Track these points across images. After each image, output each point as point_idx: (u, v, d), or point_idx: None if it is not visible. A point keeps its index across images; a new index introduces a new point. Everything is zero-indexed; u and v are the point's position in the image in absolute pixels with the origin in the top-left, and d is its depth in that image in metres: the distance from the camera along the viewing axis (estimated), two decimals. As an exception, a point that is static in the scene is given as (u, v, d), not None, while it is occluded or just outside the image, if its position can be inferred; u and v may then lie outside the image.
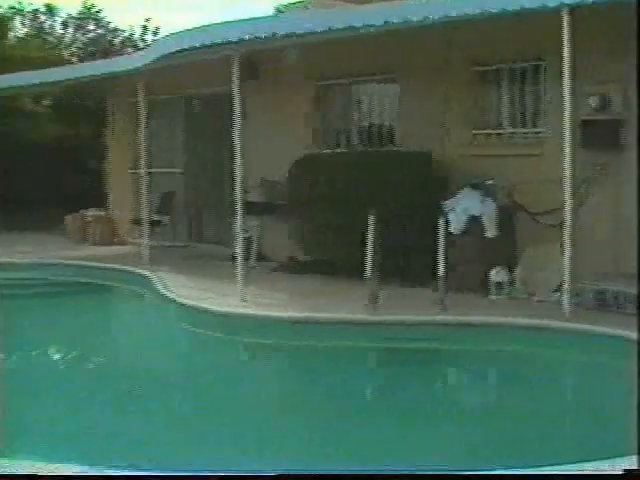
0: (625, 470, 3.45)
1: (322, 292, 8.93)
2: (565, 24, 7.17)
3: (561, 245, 7.47)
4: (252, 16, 9.24)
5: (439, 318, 7.51)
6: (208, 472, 3.62)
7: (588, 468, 3.60)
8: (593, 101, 8.11)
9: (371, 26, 8.26)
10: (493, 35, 8.77)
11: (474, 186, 8.82)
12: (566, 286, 7.38)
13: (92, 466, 3.70)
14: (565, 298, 7.36)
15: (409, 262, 8.76)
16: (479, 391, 6.80)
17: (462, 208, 8.72)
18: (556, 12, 7.16)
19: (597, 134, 8.13)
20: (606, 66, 8.19)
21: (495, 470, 3.67)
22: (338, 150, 10.67)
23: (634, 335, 6.54)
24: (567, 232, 7.37)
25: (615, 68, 8.15)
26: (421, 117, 9.96)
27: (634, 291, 7.43)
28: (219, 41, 8.84)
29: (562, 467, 3.66)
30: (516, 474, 3.59)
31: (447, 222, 8.38)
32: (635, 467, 3.54)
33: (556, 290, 8.02)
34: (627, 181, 7.97)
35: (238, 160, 8.63)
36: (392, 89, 10.60)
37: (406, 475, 3.50)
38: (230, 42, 8.69)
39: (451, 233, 8.47)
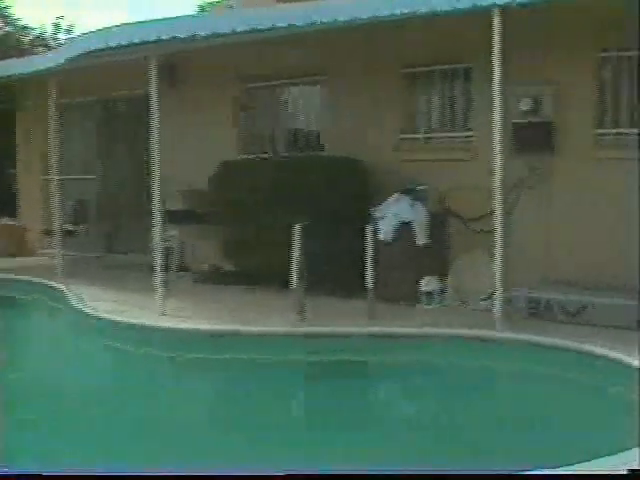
0: (629, 470, 3.46)
1: (246, 303, 8.70)
2: (495, 24, 7.02)
3: (492, 252, 7.28)
4: (174, 15, 8.90)
5: (366, 330, 7.36)
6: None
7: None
8: (524, 104, 7.99)
9: (296, 26, 8.01)
10: (422, 36, 8.63)
11: (404, 192, 8.59)
12: (497, 294, 7.24)
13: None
14: (497, 306, 7.21)
15: (337, 271, 8.46)
16: (408, 402, 6.75)
17: (392, 215, 8.48)
18: (487, 13, 7.01)
19: (529, 137, 8.04)
20: (538, 68, 8.12)
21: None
22: (262, 155, 10.32)
23: (565, 343, 6.55)
24: (498, 238, 7.19)
25: (547, 70, 8.08)
26: (350, 121, 9.72)
27: (566, 298, 7.40)
28: (137, 41, 8.47)
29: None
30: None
31: (376, 229, 8.13)
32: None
33: (487, 298, 7.85)
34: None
35: (156, 166, 8.28)
36: (320, 92, 10.31)
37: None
38: (148, 42, 8.33)
39: (381, 241, 8.22)
